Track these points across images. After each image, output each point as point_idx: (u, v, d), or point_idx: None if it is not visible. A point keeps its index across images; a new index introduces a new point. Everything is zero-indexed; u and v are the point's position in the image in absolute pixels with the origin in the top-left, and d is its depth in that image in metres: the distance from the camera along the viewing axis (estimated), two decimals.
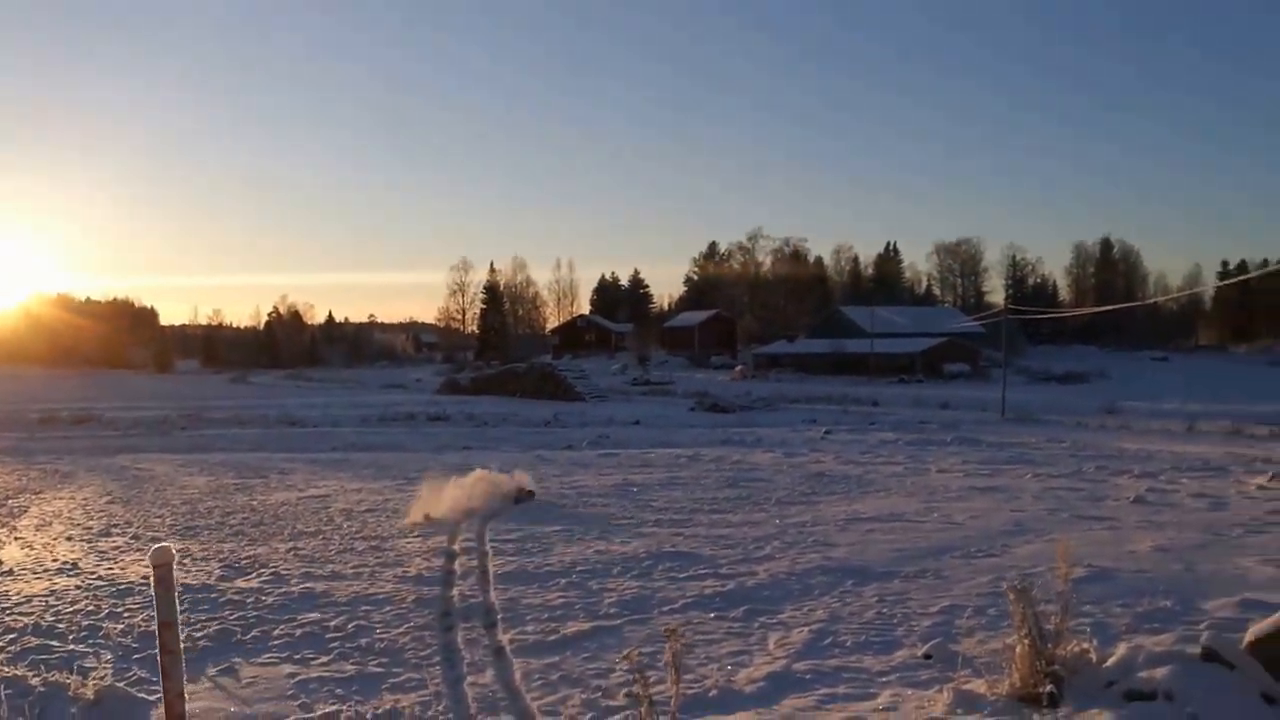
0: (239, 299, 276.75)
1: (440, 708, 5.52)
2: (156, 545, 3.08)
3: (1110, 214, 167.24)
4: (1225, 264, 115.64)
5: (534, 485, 14.05)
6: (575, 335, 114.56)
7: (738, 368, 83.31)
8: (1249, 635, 5.54)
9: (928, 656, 6.26)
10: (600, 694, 5.66)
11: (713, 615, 7.44)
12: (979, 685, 5.45)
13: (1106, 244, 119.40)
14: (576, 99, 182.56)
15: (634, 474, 17.09)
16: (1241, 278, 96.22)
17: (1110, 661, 5.47)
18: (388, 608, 7.69)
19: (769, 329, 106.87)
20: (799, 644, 6.64)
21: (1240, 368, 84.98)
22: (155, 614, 3.04)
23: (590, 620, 7.31)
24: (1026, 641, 5.32)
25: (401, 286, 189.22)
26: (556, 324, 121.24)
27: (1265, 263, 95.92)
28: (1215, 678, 5.20)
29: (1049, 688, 5.18)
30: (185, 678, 5.83)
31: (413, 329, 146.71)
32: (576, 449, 22.65)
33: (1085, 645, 5.61)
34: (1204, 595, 7.80)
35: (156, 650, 3.45)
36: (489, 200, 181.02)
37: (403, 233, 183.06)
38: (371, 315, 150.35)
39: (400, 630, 7.07)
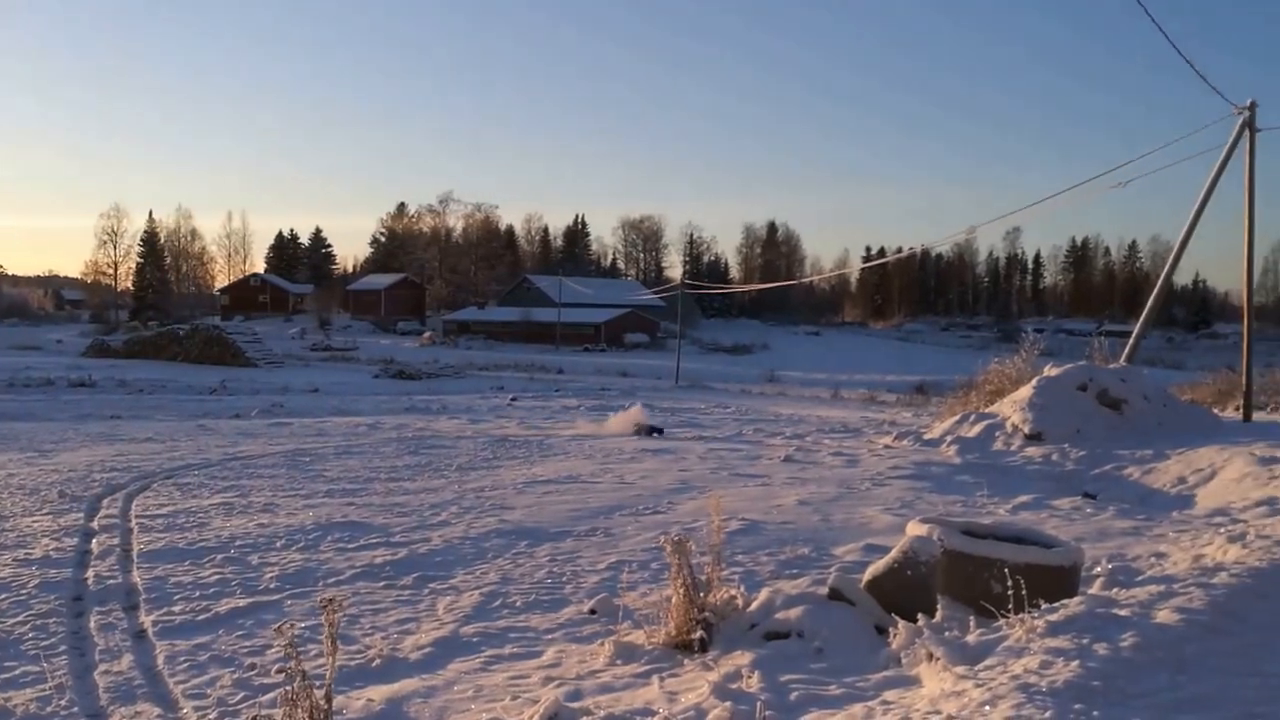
0: None
1: (63, 701, 4.97)
2: None
3: (776, 200, 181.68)
4: (868, 249, 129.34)
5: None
6: (248, 295, 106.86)
7: (426, 334, 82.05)
8: (866, 575, 6.26)
9: (593, 612, 6.49)
10: (254, 671, 5.36)
11: (382, 584, 7.28)
12: (638, 636, 5.73)
13: (772, 227, 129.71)
14: (252, 38, 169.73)
15: (307, 443, 16.35)
16: (879, 261, 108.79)
17: (753, 606, 5.97)
18: (2, 595, 6.80)
19: (459, 295, 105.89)
20: (468, 608, 6.65)
21: (877, 342, 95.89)
22: None
23: (248, 596, 6.89)
24: (682, 591, 5.67)
25: (39, 234, 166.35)
26: (227, 283, 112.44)
27: (899, 250, 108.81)
28: (838, 614, 5.83)
29: (700, 634, 5.57)
30: None
31: (52, 283, 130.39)
32: (245, 418, 21.27)
33: (733, 592, 6.09)
34: (836, 542, 8.70)
35: None
36: (147, 141, 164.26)
37: (41, 172, 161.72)
38: (0, 266, 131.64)
39: (18, 619, 6.27)
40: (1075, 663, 4.27)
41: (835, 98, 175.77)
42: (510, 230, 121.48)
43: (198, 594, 6.92)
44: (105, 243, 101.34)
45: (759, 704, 4.49)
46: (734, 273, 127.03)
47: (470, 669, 5.47)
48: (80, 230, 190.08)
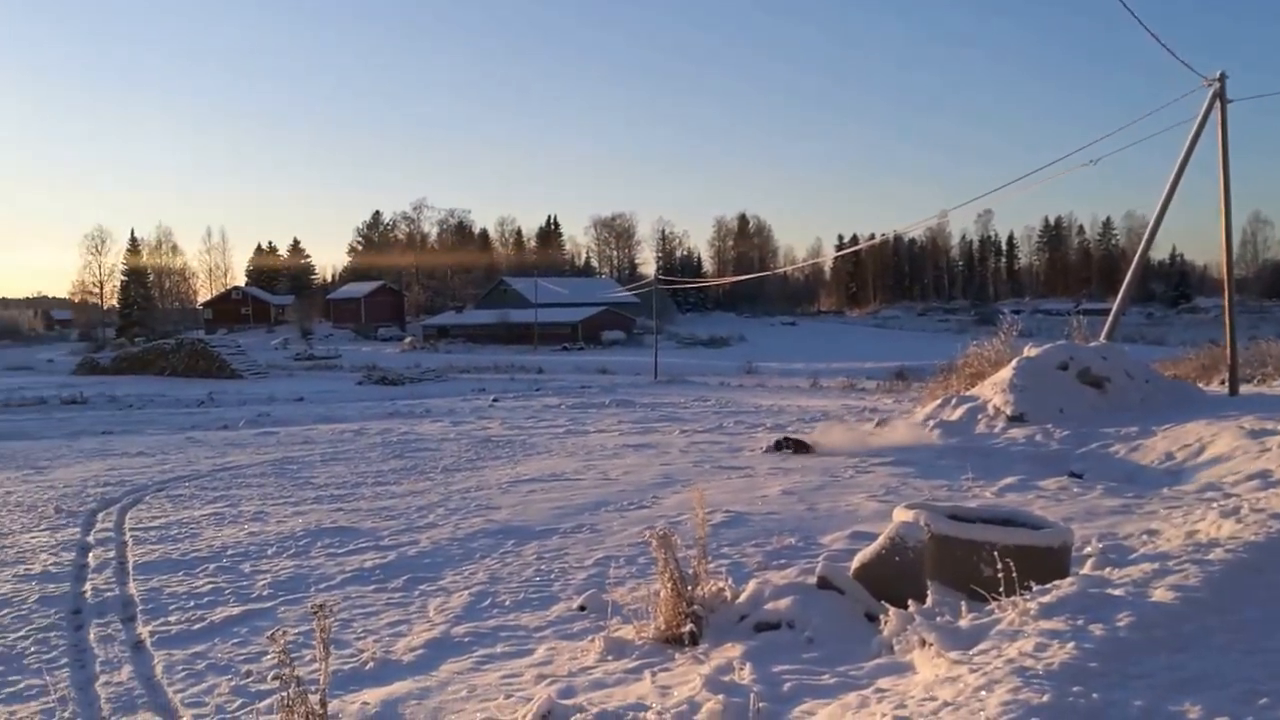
0: None
1: (66, 714, 4.99)
2: None
3: (747, 191, 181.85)
4: (840, 237, 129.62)
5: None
6: (231, 308, 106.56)
7: (406, 339, 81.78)
8: (854, 563, 6.29)
9: (582, 608, 6.52)
10: (250, 678, 5.38)
11: (372, 588, 7.30)
12: (628, 631, 5.75)
13: (744, 219, 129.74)
14: (224, 60, 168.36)
15: (294, 451, 16.31)
16: (853, 249, 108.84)
17: (742, 598, 5.97)
18: (4, 611, 6.80)
19: (437, 300, 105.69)
20: (459, 608, 6.68)
21: (854, 329, 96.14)
22: None
23: (241, 604, 6.90)
24: (669, 585, 5.69)
25: (27, 258, 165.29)
26: (209, 297, 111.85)
27: (872, 236, 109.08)
28: (828, 603, 5.84)
29: (689, 627, 5.59)
30: None
31: (42, 304, 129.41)
32: (233, 428, 21.19)
33: (721, 585, 6.09)
34: (822, 531, 8.75)
35: None
36: (129, 164, 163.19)
37: (29, 197, 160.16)
38: None
39: (19, 634, 6.28)
40: (1071, 644, 4.24)
41: (800, 94, 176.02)
42: (484, 233, 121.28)
43: (192, 604, 6.94)
44: (91, 264, 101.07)
45: (752, 695, 4.45)
46: (707, 266, 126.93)
47: (463, 669, 5.49)
48: (67, 254, 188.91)
